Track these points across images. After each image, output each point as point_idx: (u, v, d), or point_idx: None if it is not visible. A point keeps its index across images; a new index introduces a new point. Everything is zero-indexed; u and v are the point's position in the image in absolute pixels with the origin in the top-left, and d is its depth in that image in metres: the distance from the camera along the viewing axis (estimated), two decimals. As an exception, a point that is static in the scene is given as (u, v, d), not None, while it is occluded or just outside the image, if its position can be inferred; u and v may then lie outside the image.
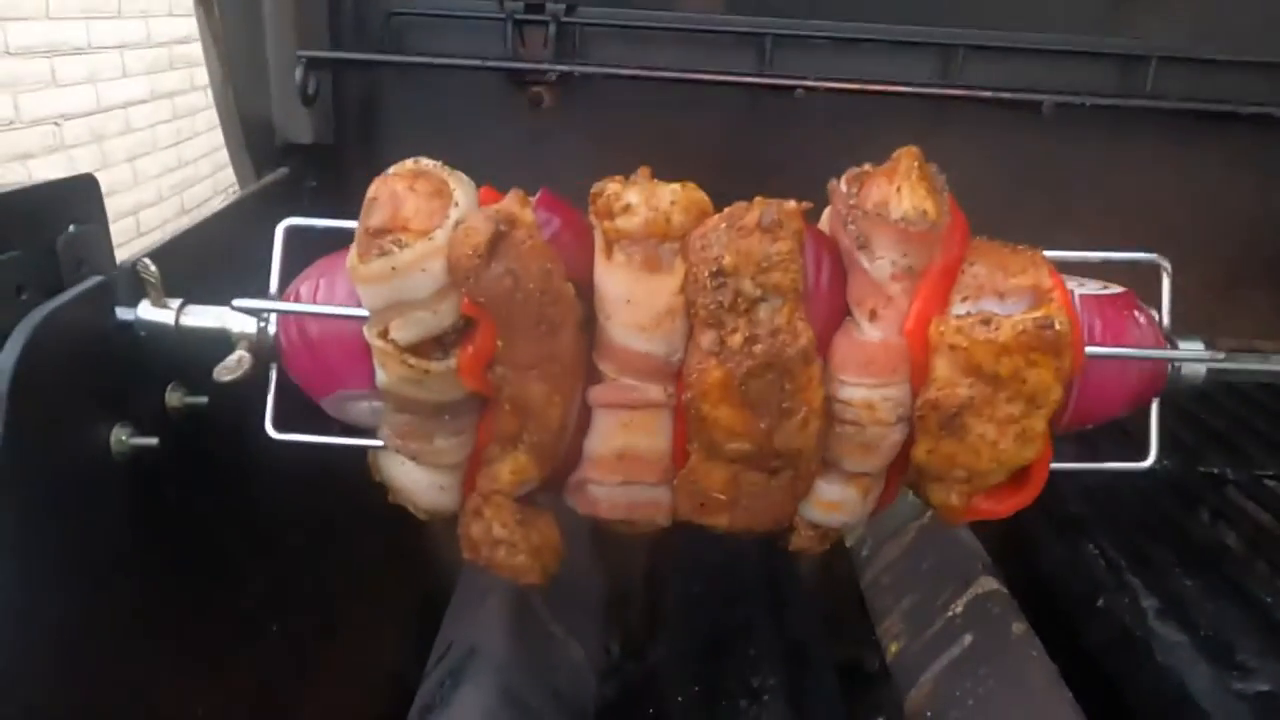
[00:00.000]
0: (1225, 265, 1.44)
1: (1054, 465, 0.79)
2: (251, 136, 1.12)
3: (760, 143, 1.25)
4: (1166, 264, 0.82)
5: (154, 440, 0.80)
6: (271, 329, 0.81)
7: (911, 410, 0.75)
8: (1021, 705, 0.88)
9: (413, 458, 0.82)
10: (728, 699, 0.90)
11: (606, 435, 0.79)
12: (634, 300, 0.74)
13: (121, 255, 0.86)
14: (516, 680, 0.88)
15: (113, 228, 0.85)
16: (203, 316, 0.82)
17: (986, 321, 0.71)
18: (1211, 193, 1.39)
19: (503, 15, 1.20)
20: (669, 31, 1.25)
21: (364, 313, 0.75)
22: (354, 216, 0.80)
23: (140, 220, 5.20)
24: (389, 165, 0.80)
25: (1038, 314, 0.70)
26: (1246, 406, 1.40)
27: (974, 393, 0.72)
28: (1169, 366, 0.82)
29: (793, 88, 1.05)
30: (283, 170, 1.17)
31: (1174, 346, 0.81)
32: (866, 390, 0.74)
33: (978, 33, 1.24)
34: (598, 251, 0.76)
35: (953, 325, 0.72)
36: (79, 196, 0.85)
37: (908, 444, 0.77)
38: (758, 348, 0.71)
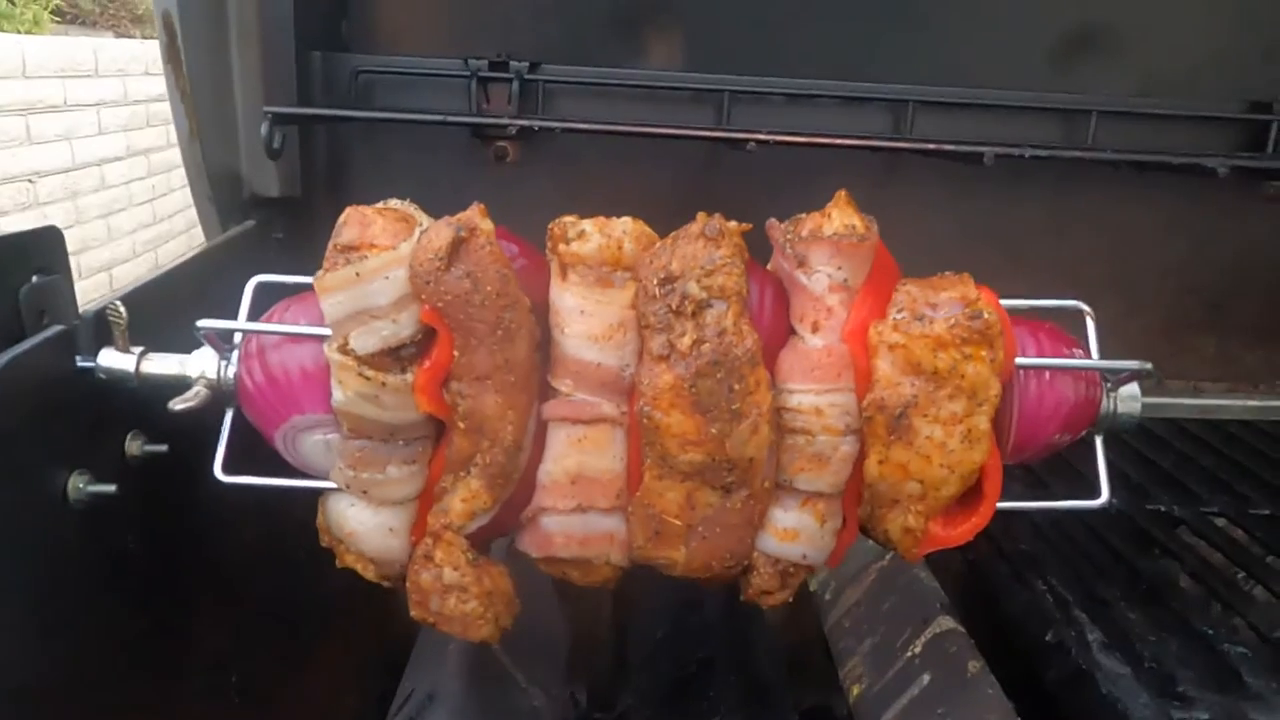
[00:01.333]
0: (1169, 311, 1.49)
1: (1010, 504, 0.82)
2: (218, 189, 1.15)
3: (718, 196, 1.26)
4: (1088, 309, 0.85)
5: (112, 488, 0.81)
6: (231, 370, 0.82)
7: (859, 419, 0.77)
8: (978, 743, 0.89)
9: (363, 492, 0.81)
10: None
11: (559, 455, 0.80)
12: (587, 311, 0.78)
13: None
14: (475, 725, 0.88)
15: (85, 284, 0.87)
16: (163, 363, 0.83)
17: (921, 319, 0.76)
18: (1154, 242, 1.44)
19: (467, 73, 1.24)
20: (630, 88, 1.29)
21: (326, 331, 0.78)
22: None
23: (114, 276, 5.19)
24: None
25: (968, 310, 0.75)
26: (1193, 446, 1.43)
27: (916, 391, 0.76)
28: (1106, 400, 0.85)
29: (745, 140, 1.09)
30: (250, 223, 1.19)
31: (1105, 378, 0.84)
32: (814, 396, 0.77)
33: (928, 89, 1.29)
34: (553, 276, 0.80)
35: (890, 325, 0.76)
36: (43, 247, 0.87)
37: (860, 465, 0.79)
38: (705, 347, 0.74)
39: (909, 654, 1.06)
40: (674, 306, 0.76)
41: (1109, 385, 0.85)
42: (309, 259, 1.31)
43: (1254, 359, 1.51)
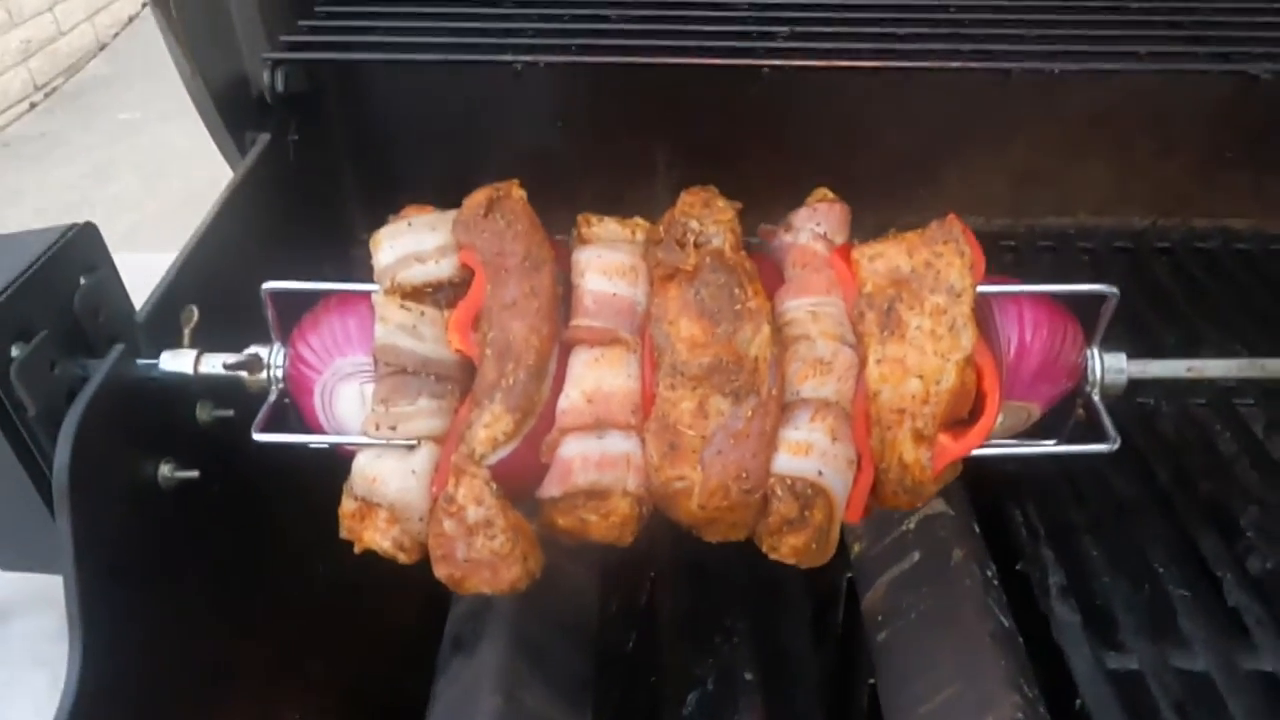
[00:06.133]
0: (1205, 148, 1.44)
1: (1020, 449, 0.91)
2: (229, 117, 1.13)
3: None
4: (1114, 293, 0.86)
5: (195, 473, 0.92)
6: (280, 353, 0.91)
7: (854, 333, 0.86)
8: (950, 630, 1.03)
9: (391, 429, 0.85)
10: (706, 628, 1.07)
11: (578, 378, 0.85)
12: (603, 255, 0.89)
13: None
14: (528, 630, 1.05)
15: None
16: (218, 362, 0.91)
17: (893, 237, 0.89)
18: (1192, 77, 1.35)
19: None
20: None
21: (374, 286, 0.89)
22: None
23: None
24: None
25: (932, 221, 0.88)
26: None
27: (899, 289, 0.86)
28: (1097, 367, 0.90)
29: (760, 68, 1.04)
30: (265, 136, 1.19)
31: (1095, 358, 0.89)
32: (809, 305, 0.87)
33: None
34: (574, 244, 0.91)
35: (868, 244, 0.89)
36: (83, 248, 0.92)
37: (863, 381, 0.85)
38: (708, 261, 0.85)
39: (903, 527, 1.20)
40: (678, 238, 0.87)
41: (1094, 345, 0.90)
42: (326, 158, 1.33)
43: (1290, 191, 1.48)
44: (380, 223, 0.94)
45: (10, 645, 0.98)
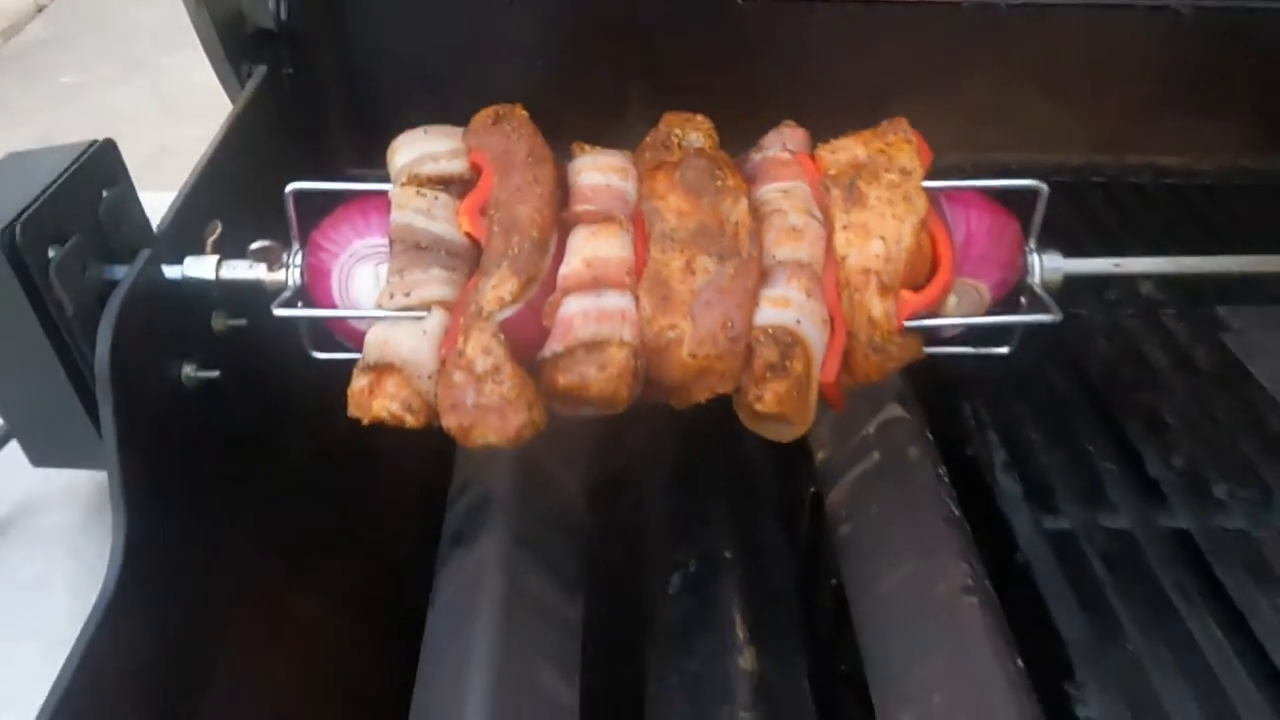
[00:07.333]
0: (1148, 88, 1.55)
1: (976, 319, 1.01)
2: (229, 44, 1.19)
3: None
4: (1045, 188, 0.96)
5: (215, 373, 0.99)
6: (298, 263, 0.98)
7: (820, 210, 0.96)
8: (907, 517, 1.15)
9: (406, 294, 0.91)
10: (686, 523, 1.17)
11: (577, 248, 0.94)
12: (596, 159, 1.00)
13: None
14: (525, 525, 1.13)
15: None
16: (238, 268, 0.98)
17: (851, 135, 1.02)
18: (1129, 20, 1.46)
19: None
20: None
21: (388, 186, 0.97)
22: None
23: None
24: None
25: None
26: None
27: (859, 171, 0.98)
28: (1036, 262, 1.01)
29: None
30: (262, 68, 1.24)
31: (1035, 254, 1.00)
32: (780, 188, 0.98)
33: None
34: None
35: (828, 143, 1.02)
36: (104, 164, 0.97)
37: (831, 250, 0.95)
38: (691, 150, 0.98)
39: (864, 432, 1.30)
40: (663, 142, 1.01)
41: (1031, 240, 1.01)
42: (316, 91, 1.39)
43: (1215, 132, 1.60)
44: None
45: (44, 537, 1.04)
